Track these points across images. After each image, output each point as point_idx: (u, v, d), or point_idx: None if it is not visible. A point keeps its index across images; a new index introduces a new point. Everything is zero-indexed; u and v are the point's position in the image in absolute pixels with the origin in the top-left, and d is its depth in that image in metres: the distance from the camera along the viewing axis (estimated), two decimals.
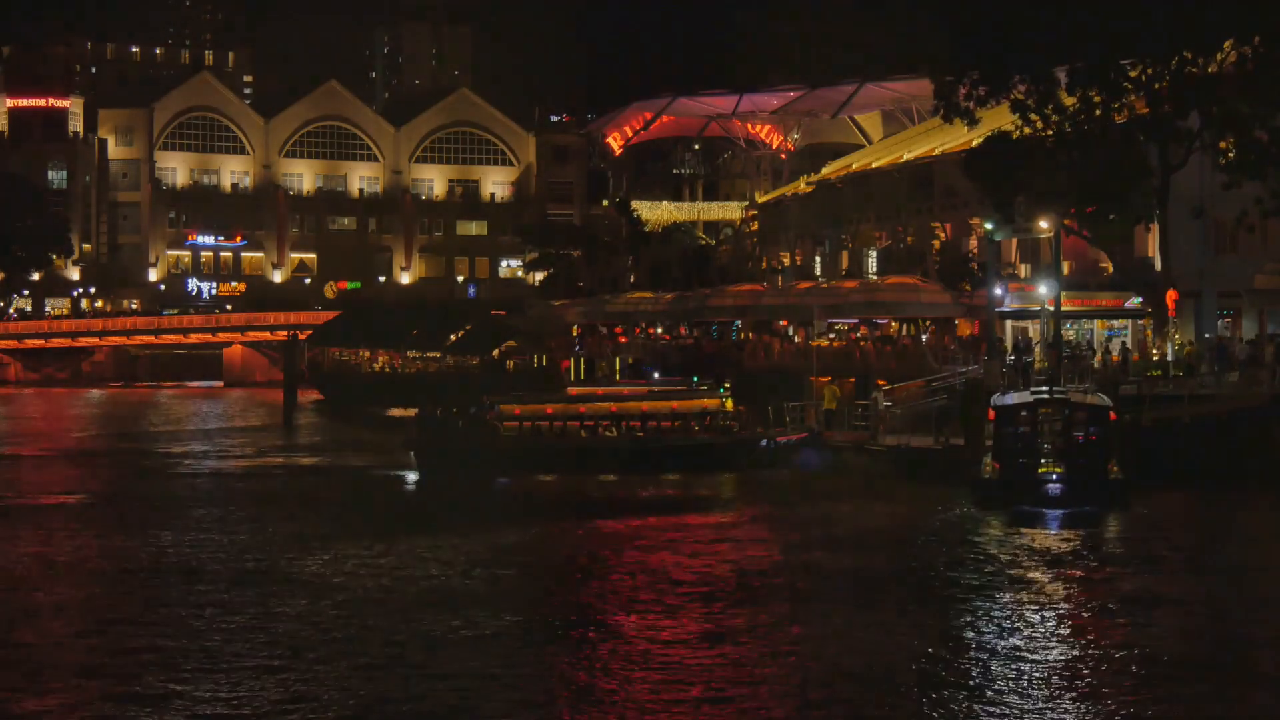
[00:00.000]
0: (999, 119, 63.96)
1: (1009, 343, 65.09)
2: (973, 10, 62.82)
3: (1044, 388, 45.25)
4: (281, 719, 22.99)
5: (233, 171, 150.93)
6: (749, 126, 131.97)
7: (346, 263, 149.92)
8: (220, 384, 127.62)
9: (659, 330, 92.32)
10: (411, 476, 55.37)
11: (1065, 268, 62.62)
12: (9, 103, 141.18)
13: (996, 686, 24.47)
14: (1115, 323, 66.96)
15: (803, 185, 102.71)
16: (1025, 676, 25.04)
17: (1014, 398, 45.20)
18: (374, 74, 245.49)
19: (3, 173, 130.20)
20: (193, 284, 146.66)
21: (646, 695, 23.99)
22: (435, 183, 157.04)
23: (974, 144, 65.90)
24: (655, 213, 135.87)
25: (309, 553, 37.39)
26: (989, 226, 59.89)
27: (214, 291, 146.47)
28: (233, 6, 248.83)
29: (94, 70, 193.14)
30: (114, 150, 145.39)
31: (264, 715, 23.09)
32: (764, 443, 56.03)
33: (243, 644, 27.32)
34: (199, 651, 26.74)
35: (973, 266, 73.18)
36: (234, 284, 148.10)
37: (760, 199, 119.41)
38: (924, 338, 69.08)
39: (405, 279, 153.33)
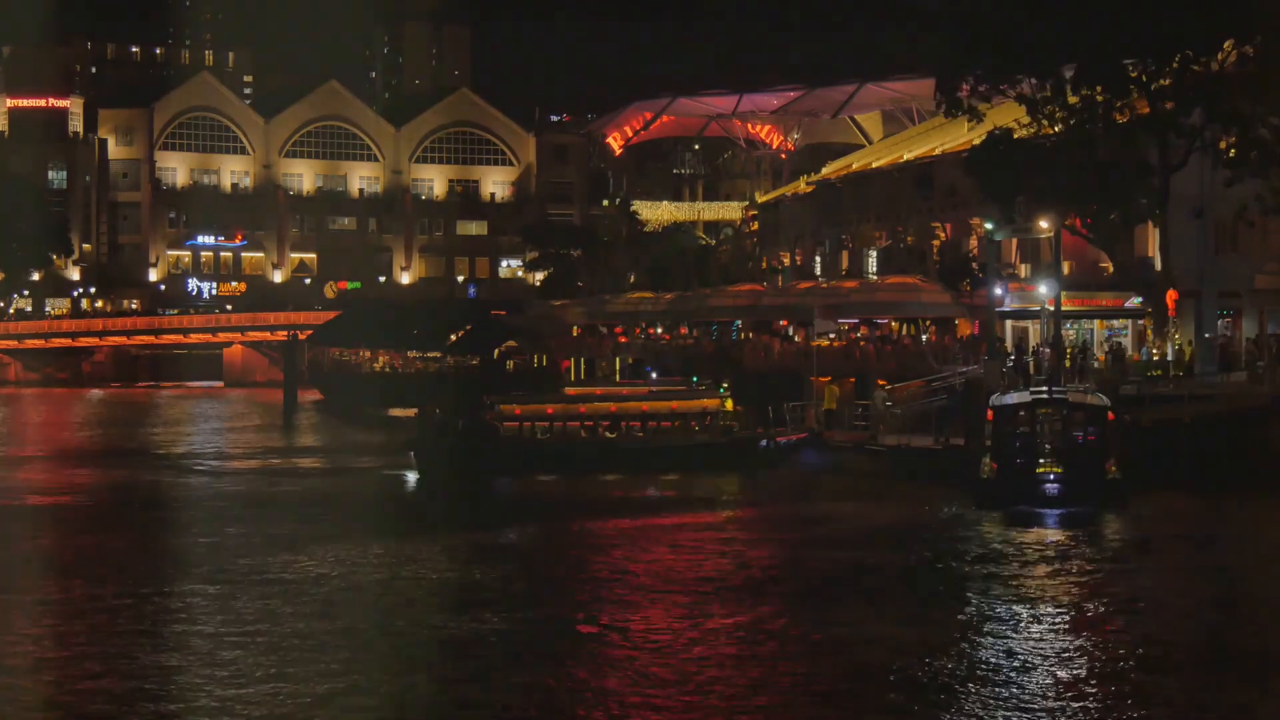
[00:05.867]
0: (1000, 118, 63.98)
1: (1009, 343, 65.13)
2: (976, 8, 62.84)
3: (1043, 388, 45.26)
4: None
5: (233, 171, 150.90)
6: (749, 126, 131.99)
7: (346, 263, 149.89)
8: (220, 384, 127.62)
9: (659, 330, 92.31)
10: (411, 476, 55.38)
11: (1065, 268, 62.62)
12: (9, 103, 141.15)
13: (993, 686, 24.48)
14: (1115, 323, 66.97)
15: (803, 185, 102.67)
16: (1021, 676, 25.05)
17: (1013, 398, 45.22)
18: (374, 74, 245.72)
19: (3, 173, 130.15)
20: (193, 284, 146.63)
21: (646, 694, 24.01)
22: (435, 183, 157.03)
23: (975, 143, 65.90)
24: (655, 213, 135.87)
25: (308, 553, 37.37)
26: (989, 226, 59.89)
27: (214, 291, 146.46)
28: (233, 6, 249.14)
29: (94, 70, 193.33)
30: (114, 150, 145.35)
31: (261, 715, 23.10)
32: (764, 443, 56.03)
33: (242, 643, 27.33)
34: (196, 651, 26.76)
35: (973, 266, 73.17)
36: (234, 284, 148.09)
37: (760, 199, 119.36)
38: (924, 338, 69.08)
39: (405, 279, 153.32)
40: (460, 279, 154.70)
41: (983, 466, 44.35)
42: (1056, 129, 59.16)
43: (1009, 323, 67.02)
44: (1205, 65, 57.09)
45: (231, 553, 37.62)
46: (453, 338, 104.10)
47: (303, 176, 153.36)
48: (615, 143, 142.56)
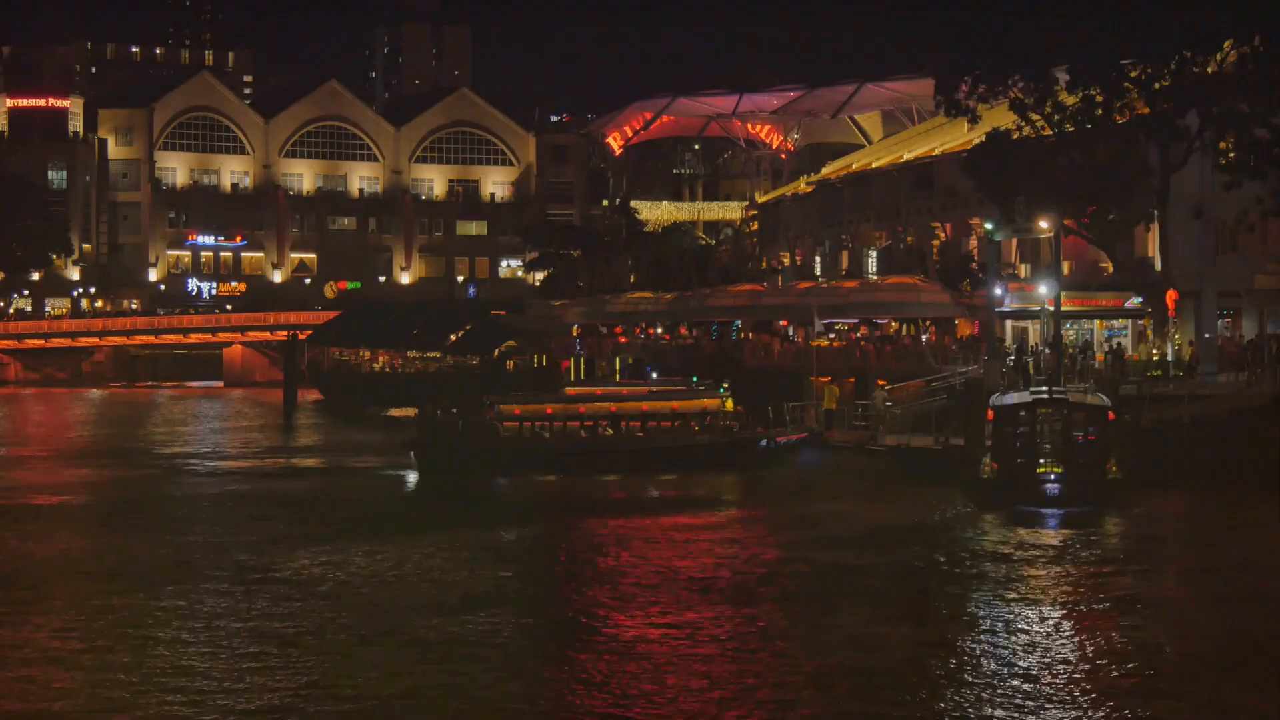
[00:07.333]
0: (999, 118, 64.02)
1: (1009, 343, 65.13)
2: (973, 8, 62.92)
3: (1043, 388, 45.26)
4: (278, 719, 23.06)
5: (233, 171, 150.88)
6: (749, 126, 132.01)
7: (346, 263, 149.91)
8: (220, 384, 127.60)
9: (659, 330, 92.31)
10: (411, 476, 55.37)
11: (1065, 268, 62.63)
12: (9, 103, 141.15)
13: (992, 685, 24.49)
14: (1115, 323, 66.98)
15: (803, 185, 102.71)
16: (1020, 676, 25.07)
17: (1013, 398, 45.23)
18: (374, 74, 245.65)
19: (3, 173, 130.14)
20: (193, 284, 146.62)
21: (646, 692, 24.01)
22: (435, 183, 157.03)
23: (974, 143, 65.92)
24: (655, 213, 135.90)
25: (308, 553, 37.39)
26: (989, 226, 59.91)
27: (214, 291, 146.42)
28: (233, 6, 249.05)
29: (94, 70, 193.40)
30: (114, 150, 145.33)
31: (260, 714, 23.11)
32: (764, 443, 56.05)
33: (241, 643, 27.35)
34: (195, 650, 26.78)
35: (973, 266, 73.18)
36: (234, 284, 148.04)
37: (760, 199, 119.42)
38: (924, 338, 69.10)
39: (405, 279, 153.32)
40: (460, 279, 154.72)
41: (983, 466, 44.38)
42: (1051, 131, 59.15)
43: (1009, 323, 67.03)
44: (1204, 66, 57.09)
45: (231, 552, 37.63)
46: (453, 338, 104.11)
47: (303, 176, 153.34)
48: (615, 143, 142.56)
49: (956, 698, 23.85)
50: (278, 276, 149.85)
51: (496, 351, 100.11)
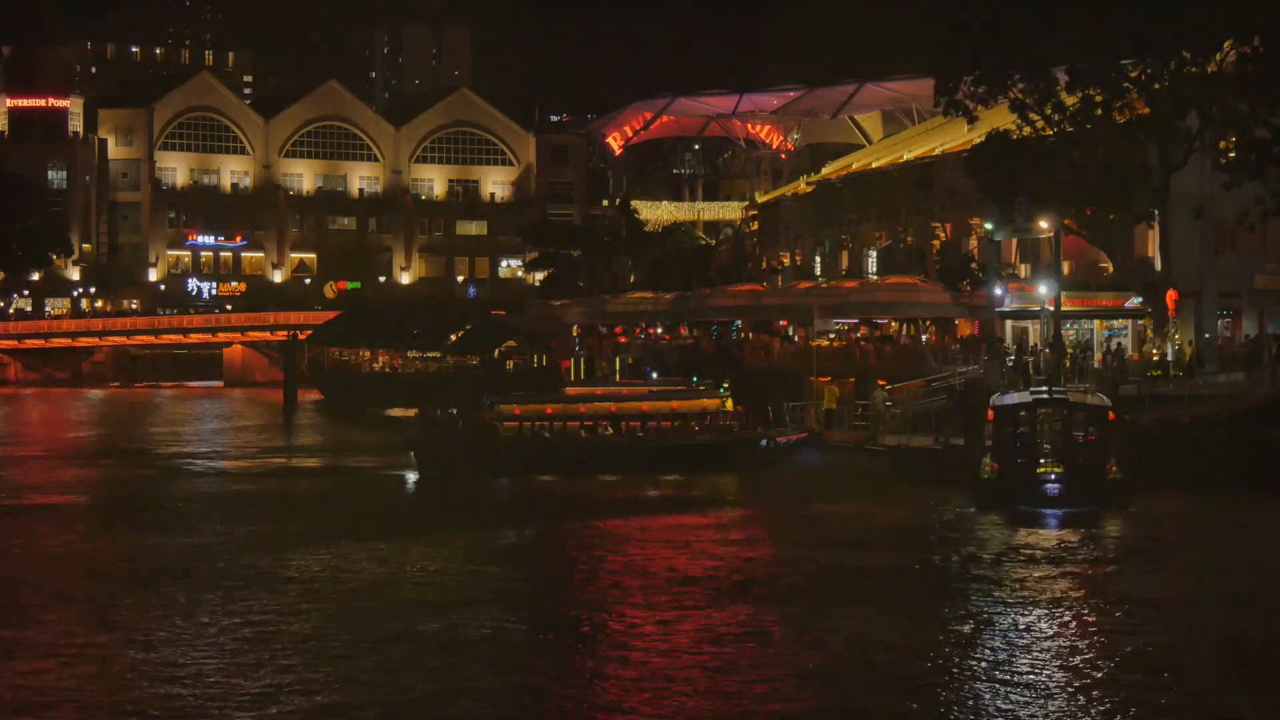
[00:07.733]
0: (999, 119, 64.04)
1: (1009, 343, 65.17)
2: (971, 8, 62.81)
3: (1043, 388, 45.25)
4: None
5: (233, 171, 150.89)
6: (749, 126, 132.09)
7: (346, 263, 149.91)
8: (220, 384, 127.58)
9: (659, 330, 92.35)
10: (411, 476, 55.37)
11: (1065, 268, 62.67)
12: (9, 103, 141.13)
13: (992, 685, 24.49)
14: (1115, 323, 67.02)
15: (803, 185, 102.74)
16: (1021, 676, 25.07)
17: (1013, 398, 45.22)
18: (374, 74, 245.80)
19: (3, 173, 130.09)
20: (193, 284, 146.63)
21: (646, 694, 24.02)
22: (435, 183, 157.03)
23: (975, 143, 65.94)
24: (655, 213, 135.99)
25: (308, 553, 37.40)
26: (989, 226, 59.98)
27: (214, 291, 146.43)
28: (233, 6, 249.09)
29: (94, 70, 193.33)
30: (114, 150, 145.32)
31: (260, 715, 23.12)
32: (764, 443, 56.05)
33: (241, 643, 27.36)
34: (196, 650, 26.79)
35: (973, 266, 73.23)
36: (234, 284, 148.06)
37: (760, 199, 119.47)
38: (924, 338, 69.14)
39: (405, 279, 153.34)
40: (460, 279, 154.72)
41: (983, 466, 44.34)
42: (1051, 131, 59.20)
43: (1009, 323, 67.08)
44: (1204, 66, 57.11)
45: (231, 552, 37.63)
46: (453, 338, 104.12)
47: (303, 176, 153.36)
48: (615, 143, 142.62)
49: (956, 697, 23.86)
50: (278, 276, 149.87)
51: (496, 351, 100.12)
